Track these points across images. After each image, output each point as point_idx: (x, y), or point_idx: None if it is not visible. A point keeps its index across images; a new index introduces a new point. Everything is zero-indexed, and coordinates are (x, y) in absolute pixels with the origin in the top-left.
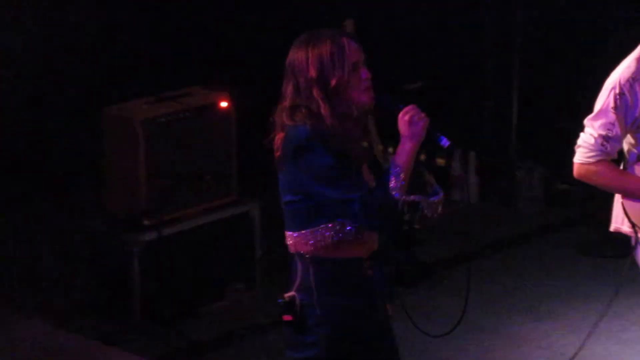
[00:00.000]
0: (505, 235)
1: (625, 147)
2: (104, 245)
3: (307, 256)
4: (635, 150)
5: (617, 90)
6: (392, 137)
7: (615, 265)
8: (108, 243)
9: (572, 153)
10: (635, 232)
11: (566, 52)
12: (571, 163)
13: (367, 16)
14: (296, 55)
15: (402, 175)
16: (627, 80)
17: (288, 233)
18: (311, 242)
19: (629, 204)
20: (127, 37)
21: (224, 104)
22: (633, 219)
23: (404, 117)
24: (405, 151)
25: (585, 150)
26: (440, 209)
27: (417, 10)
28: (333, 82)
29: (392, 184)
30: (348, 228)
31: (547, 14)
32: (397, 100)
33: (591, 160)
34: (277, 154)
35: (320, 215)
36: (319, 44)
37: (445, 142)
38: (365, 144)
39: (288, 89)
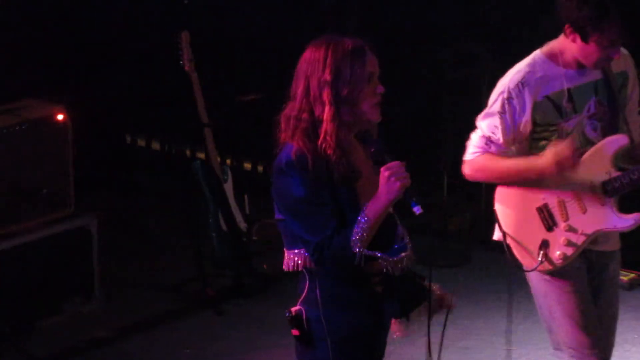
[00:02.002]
0: None
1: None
2: None
3: (314, 270)
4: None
5: (506, 95)
6: (230, 149)
7: (448, 275)
8: None
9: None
10: (504, 239)
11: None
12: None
13: (203, 28)
14: (313, 55)
15: (366, 228)
16: (517, 85)
17: (284, 249)
18: (298, 261)
19: (500, 209)
20: None
21: (60, 117)
22: (503, 225)
23: (385, 172)
24: (376, 205)
25: (471, 147)
26: (402, 266)
27: (253, 23)
28: (345, 91)
29: (354, 235)
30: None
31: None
32: (385, 151)
33: (474, 156)
34: None
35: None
36: (339, 49)
37: (417, 210)
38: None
39: (299, 90)
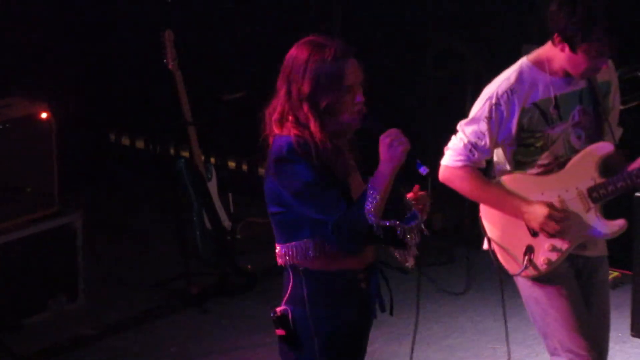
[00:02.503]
0: None
1: (495, 157)
2: None
3: (299, 268)
4: (504, 165)
5: (494, 101)
6: (214, 147)
7: (432, 274)
8: None
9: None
10: (489, 245)
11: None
12: None
13: (187, 27)
14: (297, 57)
15: (378, 198)
16: (505, 92)
17: (276, 245)
18: (297, 254)
19: (485, 215)
20: None
21: (44, 115)
22: (488, 231)
23: (385, 140)
24: (382, 174)
25: (453, 153)
26: (416, 234)
27: (237, 21)
28: (323, 103)
29: (367, 206)
30: (328, 245)
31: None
32: (382, 123)
33: (457, 164)
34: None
35: (303, 229)
36: (319, 59)
37: (423, 170)
38: (351, 157)
39: (282, 91)
